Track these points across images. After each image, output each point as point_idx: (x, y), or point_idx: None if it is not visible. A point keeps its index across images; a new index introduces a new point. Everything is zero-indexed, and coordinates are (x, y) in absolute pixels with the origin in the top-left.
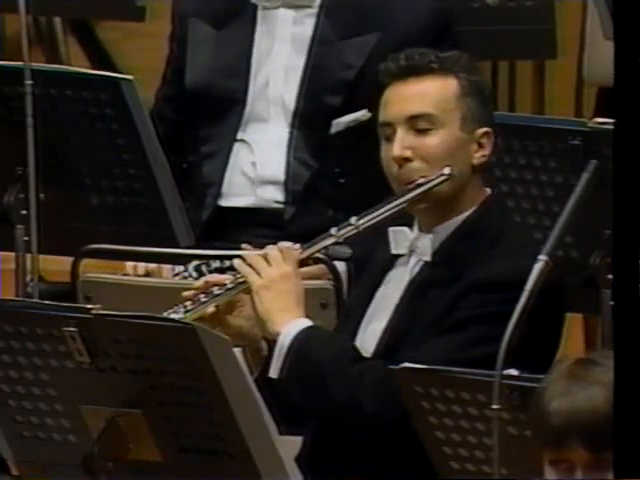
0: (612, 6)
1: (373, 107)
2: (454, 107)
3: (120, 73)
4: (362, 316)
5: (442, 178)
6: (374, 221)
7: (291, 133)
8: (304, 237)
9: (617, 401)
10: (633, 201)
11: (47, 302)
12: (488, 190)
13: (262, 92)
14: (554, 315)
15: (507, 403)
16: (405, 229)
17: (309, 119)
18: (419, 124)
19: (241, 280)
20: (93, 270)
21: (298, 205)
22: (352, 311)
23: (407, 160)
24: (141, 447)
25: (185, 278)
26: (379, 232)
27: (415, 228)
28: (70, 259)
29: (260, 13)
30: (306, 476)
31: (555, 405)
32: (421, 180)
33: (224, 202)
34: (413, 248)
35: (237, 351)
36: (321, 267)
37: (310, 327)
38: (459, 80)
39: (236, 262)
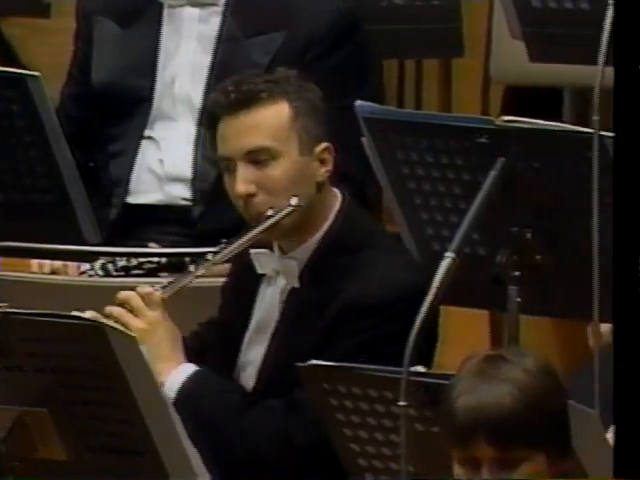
0: (518, 5)
1: None
2: (289, 133)
3: (25, 69)
4: (242, 338)
5: (290, 209)
6: (230, 255)
7: (198, 131)
8: (214, 235)
9: (617, 401)
10: (633, 202)
11: None
12: (338, 193)
13: (168, 90)
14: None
15: (414, 400)
16: (267, 252)
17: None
18: (258, 157)
19: None
20: None
21: (206, 203)
22: (229, 331)
23: (251, 195)
24: (48, 446)
25: (91, 276)
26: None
27: (276, 250)
28: None
29: (166, 11)
30: (214, 475)
31: (461, 402)
32: (270, 212)
33: (132, 199)
34: (278, 269)
35: (144, 349)
36: (226, 266)
37: (193, 375)
38: (290, 103)
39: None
